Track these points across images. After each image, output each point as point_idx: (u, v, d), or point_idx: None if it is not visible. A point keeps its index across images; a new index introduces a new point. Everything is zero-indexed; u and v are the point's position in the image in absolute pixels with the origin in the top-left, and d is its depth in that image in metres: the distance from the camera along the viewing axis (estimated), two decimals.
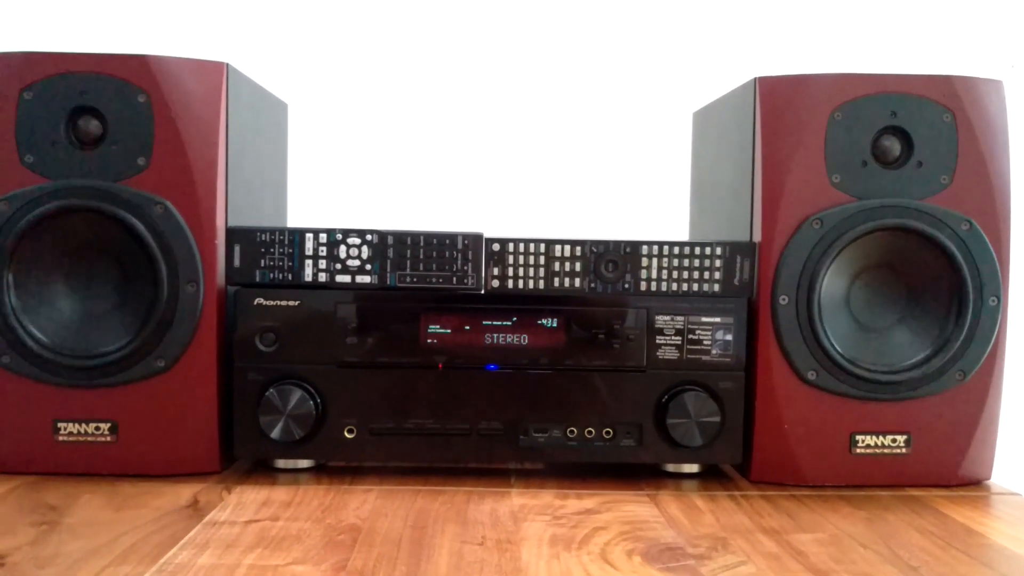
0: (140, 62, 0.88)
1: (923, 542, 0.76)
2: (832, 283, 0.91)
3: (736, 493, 0.89)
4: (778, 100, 0.90)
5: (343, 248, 0.90)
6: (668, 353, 0.91)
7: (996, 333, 0.91)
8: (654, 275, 0.91)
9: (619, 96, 1.37)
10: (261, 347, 0.90)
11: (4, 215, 0.87)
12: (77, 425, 0.89)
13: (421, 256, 0.91)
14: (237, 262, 0.90)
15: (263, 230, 0.90)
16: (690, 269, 0.91)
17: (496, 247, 0.91)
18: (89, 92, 0.87)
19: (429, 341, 0.91)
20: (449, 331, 0.91)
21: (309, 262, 0.90)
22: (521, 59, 1.36)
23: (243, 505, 0.82)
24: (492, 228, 0.93)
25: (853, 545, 0.75)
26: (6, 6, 1.31)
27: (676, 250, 0.91)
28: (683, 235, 1.22)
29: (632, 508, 0.84)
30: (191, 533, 0.74)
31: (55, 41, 1.18)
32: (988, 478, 0.94)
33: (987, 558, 0.73)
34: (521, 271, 0.91)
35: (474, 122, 1.36)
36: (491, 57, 1.36)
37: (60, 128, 0.87)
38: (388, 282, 0.91)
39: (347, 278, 0.91)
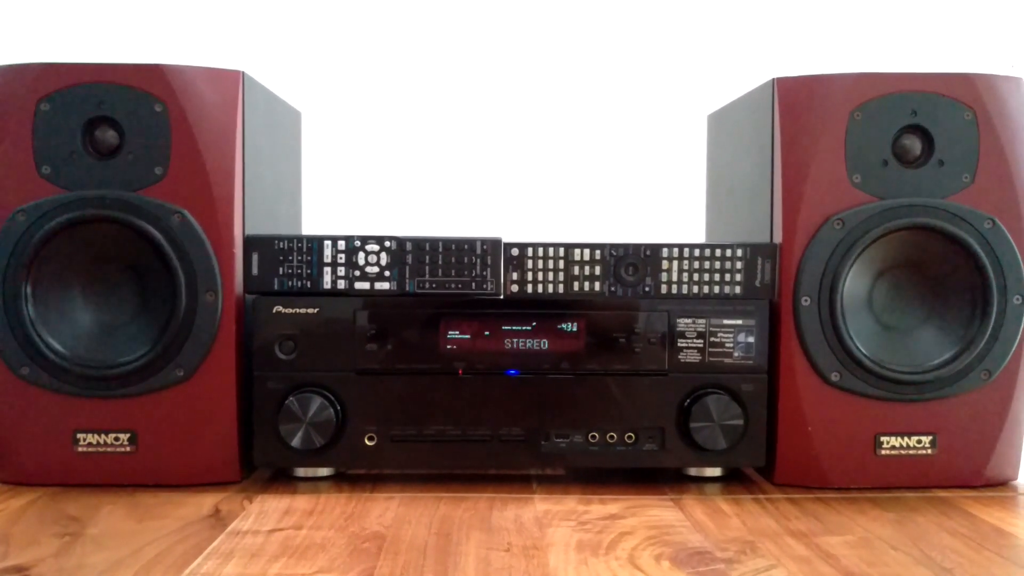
0: (156, 72, 0.87)
1: (954, 543, 0.75)
2: (854, 283, 0.90)
3: (761, 496, 0.89)
4: (797, 101, 0.90)
5: (361, 255, 0.90)
6: (690, 356, 0.91)
7: (1021, 332, 0.90)
8: (674, 278, 0.90)
9: (632, 100, 1.37)
10: (280, 355, 0.90)
11: (22, 226, 0.87)
12: (97, 436, 0.89)
13: (440, 262, 0.90)
14: (255, 270, 0.90)
15: (281, 238, 0.90)
16: (711, 271, 0.90)
17: (515, 252, 0.91)
18: (106, 102, 0.87)
19: (449, 347, 0.90)
20: (469, 337, 0.90)
21: (328, 269, 0.90)
22: (535, 63, 1.36)
23: (265, 514, 0.81)
24: (510, 233, 0.93)
25: (884, 547, 0.74)
26: (22, 18, 1.31)
27: (696, 252, 0.91)
28: (699, 237, 1.21)
29: (657, 512, 0.83)
30: (215, 543, 0.73)
31: (71, 52, 1.17)
32: (1015, 478, 0.93)
33: (1021, 559, 0.72)
34: (540, 275, 0.90)
35: (489, 127, 1.36)
36: (505, 62, 1.36)
37: (77, 139, 0.87)
38: (407, 288, 0.90)
39: (366, 285, 0.90)
